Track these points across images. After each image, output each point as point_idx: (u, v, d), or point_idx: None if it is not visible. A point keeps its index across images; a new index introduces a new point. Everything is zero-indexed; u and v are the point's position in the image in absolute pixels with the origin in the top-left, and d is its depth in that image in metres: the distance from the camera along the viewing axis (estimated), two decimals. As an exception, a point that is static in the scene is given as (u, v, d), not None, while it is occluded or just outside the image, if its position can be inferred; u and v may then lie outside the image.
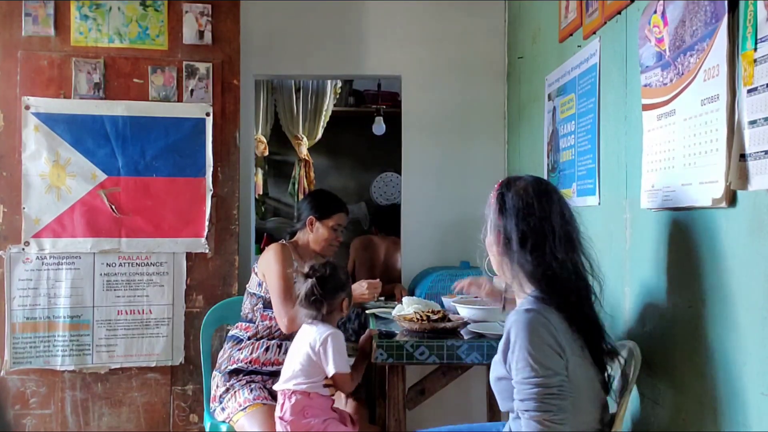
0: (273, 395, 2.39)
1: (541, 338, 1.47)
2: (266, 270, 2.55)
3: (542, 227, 1.57)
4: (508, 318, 1.55)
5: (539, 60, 2.81)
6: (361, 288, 2.62)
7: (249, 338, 2.56)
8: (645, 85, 1.74)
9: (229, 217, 3.01)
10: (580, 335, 1.54)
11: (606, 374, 1.60)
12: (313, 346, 2.17)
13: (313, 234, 2.69)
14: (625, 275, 1.92)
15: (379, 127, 4.92)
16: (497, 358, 1.59)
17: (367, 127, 4.97)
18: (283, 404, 2.18)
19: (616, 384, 1.69)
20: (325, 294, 2.19)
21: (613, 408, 1.66)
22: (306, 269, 2.24)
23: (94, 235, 2.89)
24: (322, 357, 2.14)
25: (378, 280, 2.69)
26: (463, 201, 3.29)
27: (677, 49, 1.57)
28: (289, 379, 2.19)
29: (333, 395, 2.24)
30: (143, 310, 2.94)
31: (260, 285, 2.59)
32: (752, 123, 1.26)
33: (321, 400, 2.18)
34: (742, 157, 1.29)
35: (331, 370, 2.13)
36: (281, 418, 2.17)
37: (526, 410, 1.46)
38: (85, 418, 2.90)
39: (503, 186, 1.66)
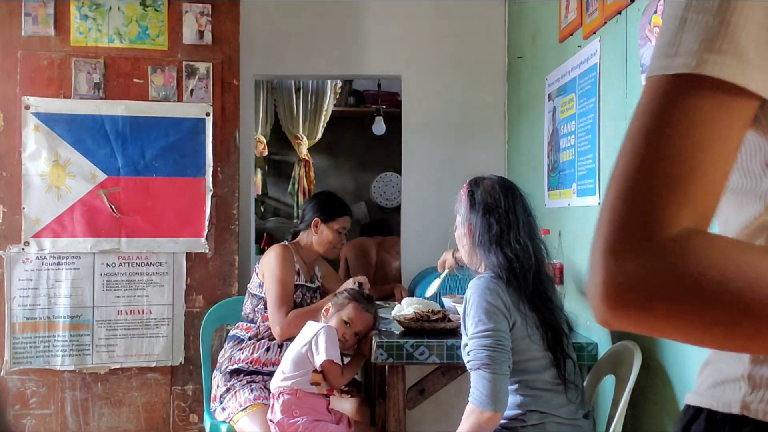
0: (273, 395, 2.40)
1: (490, 299, 1.71)
2: (267, 271, 2.55)
3: (507, 218, 1.81)
4: (468, 287, 1.78)
5: (539, 60, 2.81)
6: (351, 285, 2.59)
7: (250, 338, 2.56)
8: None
9: (229, 217, 3.01)
10: (535, 313, 1.75)
11: (559, 349, 1.76)
12: (305, 341, 2.22)
13: (318, 236, 2.68)
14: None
15: (379, 127, 4.91)
16: (462, 328, 1.79)
17: (367, 127, 4.97)
18: (272, 406, 2.20)
19: (612, 383, 1.69)
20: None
21: (608, 406, 1.66)
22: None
23: (94, 235, 2.89)
24: (314, 347, 2.18)
25: (364, 277, 2.67)
26: (463, 201, 3.29)
27: (677, 49, 1.57)
28: (277, 377, 2.22)
29: (326, 394, 2.24)
30: (143, 310, 2.94)
31: (261, 286, 2.59)
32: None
33: (311, 399, 2.18)
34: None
35: (321, 358, 2.15)
36: (271, 420, 2.18)
37: (474, 361, 1.67)
38: (85, 418, 2.90)
39: (472, 184, 1.89)
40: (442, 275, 2.53)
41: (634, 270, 0.52)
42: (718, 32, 0.56)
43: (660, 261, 0.52)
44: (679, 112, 0.56)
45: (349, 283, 2.56)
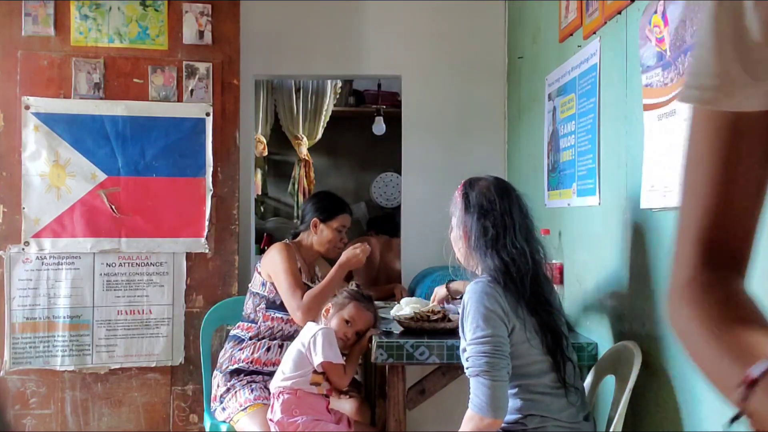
0: (273, 395, 2.39)
1: (488, 305, 1.69)
2: (271, 268, 2.54)
3: (503, 221, 1.78)
4: (465, 291, 1.76)
5: (539, 60, 2.81)
6: (355, 251, 2.56)
7: (250, 338, 2.56)
8: (646, 85, 1.74)
9: (229, 217, 3.01)
10: (534, 317, 1.73)
11: (560, 352, 1.75)
12: (304, 341, 2.22)
13: (318, 236, 2.68)
14: (624, 275, 1.92)
15: (379, 127, 4.91)
16: (460, 332, 1.76)
17: (367, 127, 4.97)
18: (272, 405, 2.20)
19: (613, 383, 1.69)
20: None
21: (608, 406, 1.65)
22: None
23: (94, 235, 2.89)
24: (311, 348, 2.18)
25: (366, 244, 2.65)
26: (463, 201, 3.29)
27: (678, 49, 1.57)
28: (278, 377, 2.22)
29: (327, 395, 2.24)
30: (143, 310, 2.94)
31: (264, 285, 2.58)
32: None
33: (311, 398, 2.19)
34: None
35: (318, 359, 2.15)
36: (271, 420, 2.19)
37: (473, 368, 1.65)
38: (85, 418, 2.90)
39: (467, 186, 1.87)
40: (429, 308, 2.50)
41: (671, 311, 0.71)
42: (703, 61, 0.61)
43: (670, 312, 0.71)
44: (696, 149, 0.64)
45: (355, 251, 2.55)
